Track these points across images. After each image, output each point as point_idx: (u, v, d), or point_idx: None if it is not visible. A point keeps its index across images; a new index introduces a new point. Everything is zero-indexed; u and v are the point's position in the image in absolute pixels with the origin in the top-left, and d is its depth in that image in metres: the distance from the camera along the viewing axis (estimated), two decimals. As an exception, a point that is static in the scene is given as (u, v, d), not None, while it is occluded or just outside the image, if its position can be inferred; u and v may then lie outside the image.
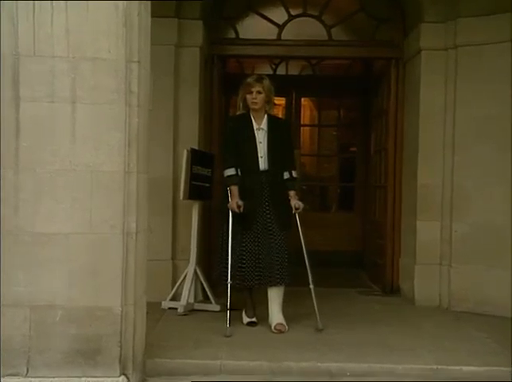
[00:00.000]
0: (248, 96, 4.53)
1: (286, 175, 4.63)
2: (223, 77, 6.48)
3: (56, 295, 3.29)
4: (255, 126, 4.57)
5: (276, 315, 4.49)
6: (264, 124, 4.60)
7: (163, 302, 5.14)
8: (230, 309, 4.42)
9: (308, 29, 6.21)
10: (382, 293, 6.08)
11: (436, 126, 5.45)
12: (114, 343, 3.28)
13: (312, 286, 4.53)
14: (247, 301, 4.76)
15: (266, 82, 4.56)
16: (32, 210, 3.29)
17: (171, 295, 5.21)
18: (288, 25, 6.15)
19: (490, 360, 3.87)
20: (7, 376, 3.30)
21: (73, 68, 3.20)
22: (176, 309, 5.04)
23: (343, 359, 3.86)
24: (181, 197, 5.17)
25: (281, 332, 4.39)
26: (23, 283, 3.29)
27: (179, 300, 5.13)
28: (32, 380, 3.30)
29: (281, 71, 8.22)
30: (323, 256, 7.14)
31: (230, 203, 4.50)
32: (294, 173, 4.67)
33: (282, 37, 6.13)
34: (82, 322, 3.31)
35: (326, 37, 6.11)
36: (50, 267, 3.29)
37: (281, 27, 6.12)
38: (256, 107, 4.53)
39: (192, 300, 5.16)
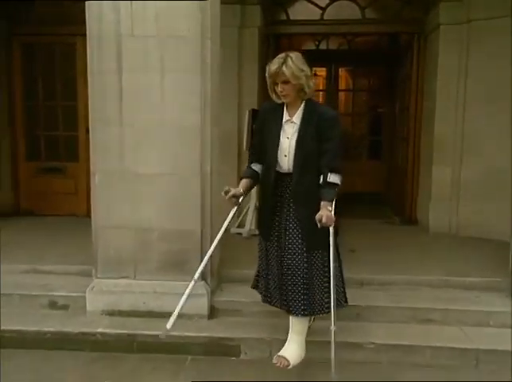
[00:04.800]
0: (275, 88, 2.77)
1: (321, 180, 2.74)
2: (276, 52, 6.35)
3: (153, 221, 3.43)
4: (285, 117, 2.81)
5: (286, 345, 2.88)
6: (297, 116, 2.78)
7: (231, 229, 5.22)
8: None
9: (345, 10, 5.97)
10: (402, 223, 6.02)
11: (451, 88, 5.26)
12: (196, 256, 3.41)
13: (333, 329, 2.65)
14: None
15: (292, 65, 2.65)
16: (133, 156, 3.40)
17: (237, 223, 5.30)
18: (330, 7, 5.94)
19: (487, 274, 3.85)
20: (121, 278, 3.51)
21: (161, 44, 3.23)
22: (241, 234, 5.14)
23: (371, 272, 3.89)
24: (244, 148, 5.22)
25: (280, 365, 2.78)
26: (128, 211, 3.44)
27: (243, 227, 5.22)
28: (138, 281, 3.50)
29: (322, 46, 8.01)
30: (354, 196, 7.14)
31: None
32: (332, 177, 2.70)
33: (324, 18, 5.96)
34: (172, 241, 3.44)
35: (360, 17, 5.91)
36: (148, 200, 3.41)
37: (323, 9, 5.94)
38: (287, 99, 2.77)
39: (253, 227, 5.25)
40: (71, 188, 6.01)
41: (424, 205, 5.67)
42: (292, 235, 2.80)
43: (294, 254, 2.78)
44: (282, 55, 2.68)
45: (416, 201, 5.95)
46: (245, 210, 5.31)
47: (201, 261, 3.44)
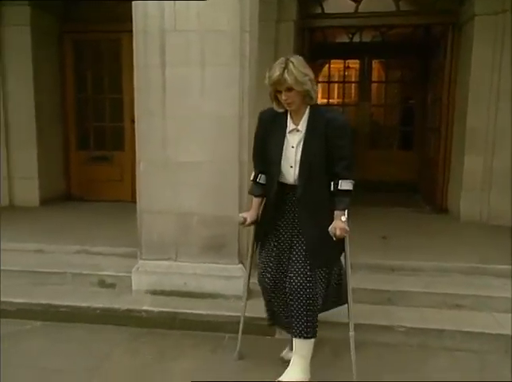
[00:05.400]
0: (278, 96, 2.44)
1: (332, 187, 2.43)
2: (311, 45, 6.29)
3: (193, 206, 3.46)
4: (290, 126, 2.48)
5: (288, 368, 2.59)
6: (303, 123, 2.46)
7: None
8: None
9: (379, 2, 5.83)
10: (432, 212, 5.89)
11: (485, 79, 5.06)
12: (233, 240, 3.44)
13: (352, 334, 2.57)
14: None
15: (294, 71, 2.33)
16: (174, 145, 3.43)
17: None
18: (364, 0, 5.80)
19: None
20: (163, 260, 3.57)
21: (202, 38, 3.24)
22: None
23: (402, 258, 3.83)
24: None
25: None
26: (170, 197, 3.48)
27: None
28: (179, 263, 3.55)
29: (355, 39, 7.87)
30: (385, 184, 7.04)
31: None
32: (343, 184, 2.41)
33: (359, 11, 5.81)
34: (211, 226, 3.47)
35: (394, 9, 5.74)
36: (188, 186, 3.45)
37: (358, 2, 5.80)
38: (292, 107, 2.43)
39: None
40: (117, 175, 6.14)
41: (455, 194, 5.52)
42: (298, 254, 2.51)
43: (298, 273, 2.47)
44: (282, 60, 2.38)
45: (447, 190, 5.80)
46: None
47: (239, 246, 3.50)
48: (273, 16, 5.32)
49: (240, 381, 2.59)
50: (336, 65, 8.66)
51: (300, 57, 2.46)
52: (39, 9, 5.66)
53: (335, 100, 8.90)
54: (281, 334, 3.18)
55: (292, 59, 2.37)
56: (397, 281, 3.59)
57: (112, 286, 3.70)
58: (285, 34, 5.44)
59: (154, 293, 3.55)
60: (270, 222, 2.58)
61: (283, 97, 2.40)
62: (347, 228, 2.41)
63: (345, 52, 8.08)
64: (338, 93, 9.10)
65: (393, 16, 5.78)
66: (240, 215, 2.69)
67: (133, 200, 3.72)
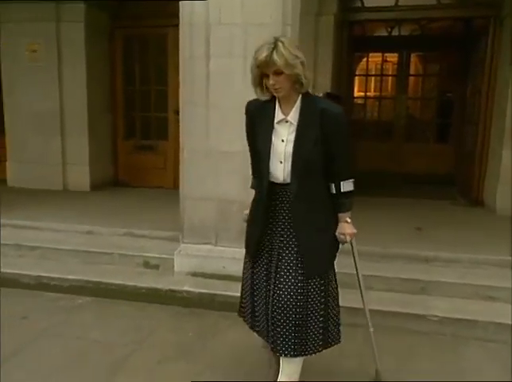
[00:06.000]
0: (265, 81, 2.02)
1: (333, 189, 2.11)
2: (349, 38, 6.17)
3: (234, 194, 3.46)
4: (278, 117, 2.07)
5: None
6: (293, 114, 2.05)
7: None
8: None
9: (420, -6, 5.67)
10: (468, 205, 5.71)
11: (526, 72, 4.85)
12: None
13: (372, 330, 2.39)
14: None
15: (284, 52, 1.93)
16: (216, 135, 3.45)
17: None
18: (404, -8, 5.65)
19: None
20: (204, 244, 3.62)
21: (245, 31, 3.23)
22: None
23: (436, 249, 3.74)
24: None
25: None
26: (212, 185, 3.52)
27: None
28: (219, 248, 3.59)
29: (394, 32, 7.65)
30: (421, 177, 6.88)
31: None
32: (345, 186, 2.10)
33: (399, 4, 5.65)
34: (250, 212, 3.49)
35: (435, 2, 5.54)
36: (229, 175, 3.46)
37: (398, -5, 5.65)
38: (281, 93, 2.03)
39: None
40: (161, 163, 6.24)
41: (491, 188, 5.33)
42: (287, 263, 2.08)
43: (287, 284, 2.06)
44: (271, 40, 1.97)
45: (484, 184, 5.60)
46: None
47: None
48: (313, 9, 5.26)
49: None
50: (374, 59, 8.47)
51: (292, 39, 2.11)
52: (93, 7, 5.79)
53: (371, 93, 8.73)
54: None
55: (282, 38, 2.00)
56: (431, 271, 3.52)
57: (156, 267, 3.79)
58: (324, 27, 5.37)
59: (195, 275, 3.61)
60: (261, 228, 2.14)
61: (270, 81, 2.00)
62: (354, 230, 2.16)
63: (383, 45, 7.89)
64: (375, 86, 8.92)
65: (434, 9, 5.59)
66: (245, 213, 2.30)
67: (175, 187, 3.78)
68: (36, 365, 2.65)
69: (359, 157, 6.66)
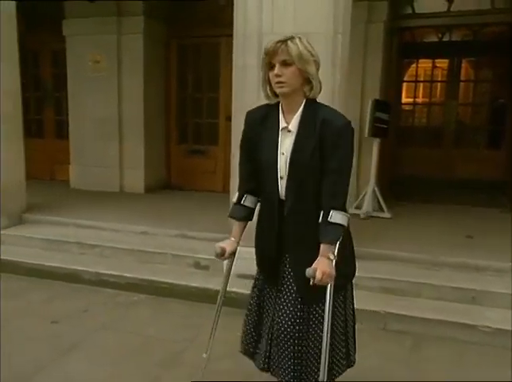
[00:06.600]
0: (270, 74, 1.72)
1: (320, 218, 1.74)
2: (399, 45, 6.04)
3: (282, 198, 3.48)
4: (281, 124, 1.78)
5: None
6: (294, 121, 1.76)
7: (349, 210, 5.12)
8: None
9: (473, 0, 5.46)
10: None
11: None
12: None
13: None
14: None
15: (299, 44, 1.68)
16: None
17: (355, 204, 5.20)
18: (457, -2, 5.48)
19: None
20: (251, 247, 3.62)
21: (297, 40, 3.23)
22: (358, 215, 5.04)
23: (487, 258, 3.59)
24: (366, 135, 5.07)
25: None
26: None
27: (361, 208, 5.11)
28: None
29: (445, 38, 7.41)
30: (471, 183, 6.60)
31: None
32: (334, 216, 1.71)
33: (451, 9, 5.49)
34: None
35: (489, 6, 5.34)
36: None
37: (451, 1, 5.48)
38: (284, 89, 1.71)
39: (370, 209, 5.12)
40: (211, 168, 6.35)
41: (547, 196, 5.06)
42: (286, 288, 1.86)
43: (287, 313, 1.84)
44: (287, 35, 1.71)
45: (538, 192, 5.33)
46: (363, 193, 5.20)
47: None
48: (363, 17, 5.18)
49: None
50: (423, 64, 8.23)
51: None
52: (151, 19, 6.00)
53: (420, 99, 8.50)
54: (361, 325, 3.13)
55: (299, 35, 1.73)
56: (482, 280, 3.38)
57: (206, 267, 3.85)
58: (374, 35, 5.29)
59: (243, 277, 3.61)
60: (275, 254, 1.87)
61: (275, 71, 1.68)
62: (332, 272, 1.69)
63: (434, 51, 7.66)
64: (423, 92, 8.67)
65: (488, 14, 5.40)
66: (217, 245, 2.00)
67: (225, 191, 3.83)
68: (95, 357, 2.76)
69: (407, 163, 6.49)
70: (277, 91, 1.73)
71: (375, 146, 5.15)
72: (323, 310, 1.77)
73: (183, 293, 3.55)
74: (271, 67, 1.70)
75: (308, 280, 1.69)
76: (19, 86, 4.66)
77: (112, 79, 6.08)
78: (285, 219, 1.80)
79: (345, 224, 1.75)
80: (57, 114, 6.91)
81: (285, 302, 1.85)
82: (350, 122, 1.73)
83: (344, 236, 1.79)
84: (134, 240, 4.25)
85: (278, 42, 1.67)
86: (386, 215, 5.03)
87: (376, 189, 5.14)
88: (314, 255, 1.72)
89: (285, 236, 1.83)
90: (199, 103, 6.43)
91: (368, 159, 5.21)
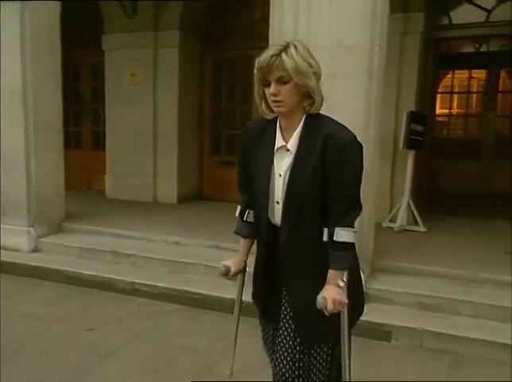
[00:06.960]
0: (266, 91, 1.57)
1: (325, 236, 1.56)
2: (435, 56, 5.94)
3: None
4: (278, 143, 1.62)
5: None
6: (294, 139, 1.59)
7: (383, 223, 5.05)
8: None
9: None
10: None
11: None
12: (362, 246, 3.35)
13: None
14: None
15: (295, 55, 1.50)
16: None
17: (389, 218, 5.11)
18: (496, 8, 5.36)
19: None
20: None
21: (332, 52, 3.20)
22: (392, 228, 4.95)
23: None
24: (401, 147, 4.99)
25: None
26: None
27: (395, 222, 5.01)
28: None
29: (482, 48, 7.25)
30: (484, 194, 6.34)
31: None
32: (339, 234, 1.53)
33: (490, 20, 5.37)
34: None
35: (530, 16, 5.20)
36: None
37: (489, 11, 5.36)
38: (281, 109, 1.56)
39: (404, 222, 5.01)
40: (242, 178, 6.37)
41: None
42: (284, 325, 1.68)
43: (285, 355, 1.66)
44: (281, 42, 1.55)
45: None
46: (397, 206, 5.10)
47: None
48: (399, 28, 5.14)
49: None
50: (459, 75, 8.06)
51: (306, 45, 1.59)
52: (186, 33, 6.13)
53: (455, 110, 8.31)
54: (397, 341, 3.05)
55: (295, 42, 1.55)
56: (523, 299, 3.24)
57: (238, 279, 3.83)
58: (410, 46, 5.24)
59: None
60: (266, 283, 1.77)
61: (271, 90, 1.52)
62: (344, 299, 1.54)
63: (470, 61, 7.49)
64: (458, 103, 8.48)
65: (529, 23, 5.24)
66: (222, 263, 1.90)
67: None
68: (129, 366, 2.78)
69: (443, 176, 6.33)
70: (274, 110, 1.59)
71: (410, 158, 5.05)
72: (325, 352, 1.64)
73: (215, 304, 3.55)
74: (266, 84, 1.55)
75: (309, 321, 1.58)
76: (61, 100, 4.82)
77: (148, 92, 6.22)
78: (281, 248, 1.63)
79: (353, 240, 1.56)
80: (95, 125, 7.12)
81: (282, 342, 1.67)
82: (355, 136, 1.57)
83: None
84: (167, 250, 4.30)
85: (272, 56, 1.50)
86: (421, 229, 4.91)
87: (411, 201, 5.04)
88: (315, 288, 1.55)
89: (281, 268, 1.65)
90: (232, 115, 6.50)
91: (403, 172, 5.13)
